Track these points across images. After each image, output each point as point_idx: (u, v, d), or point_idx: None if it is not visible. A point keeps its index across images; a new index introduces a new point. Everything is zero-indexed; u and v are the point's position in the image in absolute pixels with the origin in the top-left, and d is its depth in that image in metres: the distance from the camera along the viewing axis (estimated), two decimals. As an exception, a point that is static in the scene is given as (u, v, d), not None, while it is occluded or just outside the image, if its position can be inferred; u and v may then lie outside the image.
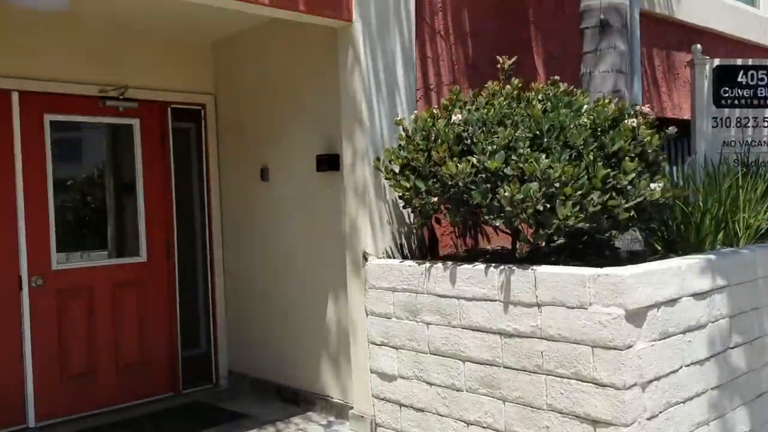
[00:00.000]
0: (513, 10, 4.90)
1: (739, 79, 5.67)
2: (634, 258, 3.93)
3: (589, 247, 3.95)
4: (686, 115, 6.38)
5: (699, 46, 5.70)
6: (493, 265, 3.29)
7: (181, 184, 5.04)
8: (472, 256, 4.29)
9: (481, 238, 4.58)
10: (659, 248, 4.33)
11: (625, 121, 3.32)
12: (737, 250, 3.60)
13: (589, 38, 4.24)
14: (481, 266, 3.32)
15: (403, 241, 4.05)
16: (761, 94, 5.65)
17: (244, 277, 5.04)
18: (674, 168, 6.38)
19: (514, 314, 3.16)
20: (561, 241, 4.03)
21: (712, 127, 5.66)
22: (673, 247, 4.24)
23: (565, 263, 3.67)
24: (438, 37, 4.39)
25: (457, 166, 3.29)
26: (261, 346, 4.92)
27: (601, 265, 3.30)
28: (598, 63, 4.22)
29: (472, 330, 3.33)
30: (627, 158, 3.23)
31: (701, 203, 4.22)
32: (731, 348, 3.39)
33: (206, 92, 5.10)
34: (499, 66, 3.84)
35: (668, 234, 4.31)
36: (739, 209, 4.27)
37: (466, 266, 3.38)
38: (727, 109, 5.65)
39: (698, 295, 3.17)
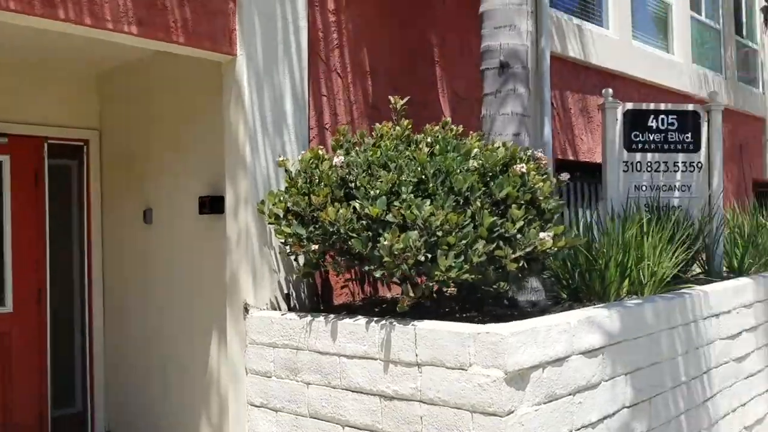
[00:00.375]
0: (417, 48, 4.75)
1: (650, 124, 5.64)
2: (533, 308, 3.75)
3: (489, 297, 3.75)
4: (600, 159, 6.34)
5: (610, 90, 5.67)
6: (375, 319, 3.03)
7: (58, 227, 4.63)
8: (368, 305, 4.03)
9: (381, 286, 4.33)
10: (565, 297, 4.17)
11: (515, 166, 3.15)
12: (633, 303, 3.44)
13: (490, 80, 4.10)
14: (362, 320, 3.05)
15: (292, 290, 3.76)
16: (672, 138, 5.62)
17: (125, 328, 4.64)
18: (587, 213, 6.33)
19: (394, 374, 2.89)
20: (454, 290, 3.82)
21: (623, 171, 5.59)
22: (578, 296, 4.09)
23: (461, 315, 3.45)
24: (335, 75, 4.18)
25: (337, 211, 3.04)
26: (140, 405, 4.51)
27: (499, 317, 3.09)
28: (499, 106, 4.07)
29: (353, 391, 3.05)
30: (514, 205, 3.05)
31: (605, 250, 4.09)
32: (627, 407, 3.20)
33: (90, 127, 4.74)
34: (391, 106, 3.65)
35: (573, 282, 4.16)
36: (643, 256, 4.16)
37: (347, 320, 3.11)
38: (638, 154, 5.60)
39: (589, 353, 2.98)
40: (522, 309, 3.73)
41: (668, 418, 3.49)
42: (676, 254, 4.27)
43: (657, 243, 4.24)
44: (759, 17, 9.49)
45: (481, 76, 4.12)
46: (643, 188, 5.59)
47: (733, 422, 4.18)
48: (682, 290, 3.93)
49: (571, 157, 6.42)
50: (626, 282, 4.05)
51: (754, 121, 9.95)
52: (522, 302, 3.91)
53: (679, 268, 4.34)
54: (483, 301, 3.71)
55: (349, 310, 3.68)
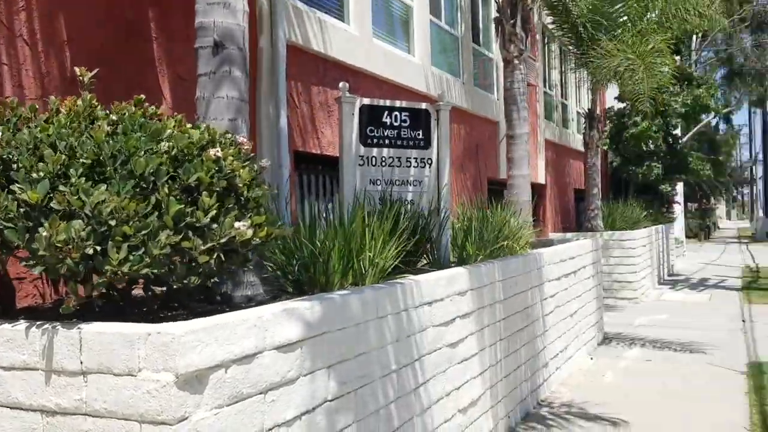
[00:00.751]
0: (132, 22, 4.31)
1: (385, 120, 5.74)
2: (249, 304, 3.56)
3: (199, 294, 3.47)
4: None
5: (346, 84, 5.68)
6: (37, 323, 2.59)
7: None
8: (57, 308, 3.54)
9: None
10: (291, 290, 4.05)
11: (209, 150, 2.90)
12: (338, 294, 3.38)
13: (204, 60, 3.83)
14: (22, 326, 2.60)
15: (-48, 293, 3.15)
16: (405, 135, 5.77)
17: None
18: (328, 206, 6.32)
19: (57, 386, 2.49)
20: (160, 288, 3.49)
21: (359, 165, 5.63)
22: (303, 289, 3.98)
23: (166, 314, 3.14)
24: (21, 42, 3.61)
25: (-11, 197, 2.55)
26: None
27: (204, 314, 2.81)
28: (214, 88, 3.82)
29: (11, 408, 2.58)
30: (205, 192, 2.80)
31: (327, 242, 4.04)
32: (330, 401, 3.11)
33: None
34: (78, 78, 3.20)
35: (297, 275, 4.05)
36: (365, 247, 4.18)
37: (5, 326, 2.64)
38: (374, 149, 5.67)
39: (286, 347, 2.83)
40: (236, 305, 3.52)
41: (377, 408, 3.49)
42: (398, 245, 4.36)
43: (379, 234, 4.29)
44: (493, 27, 10.30)
45: (195, 54, 3.84)
46: (378, 182, 5.68)
47: (447, 406, 4.34)
48: (396, 280, 3.99)
49: (314, 150, 6.37)
50: (350, 273, 4.04)
51: (489, 124, 10.82)
52: (237, 297, 3.71)
53: (400, 258, 4.43)
54: (191, 298, 3.43)
55: (34, 314, 3.17)
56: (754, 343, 8.41)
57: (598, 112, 14.02)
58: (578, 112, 16.58)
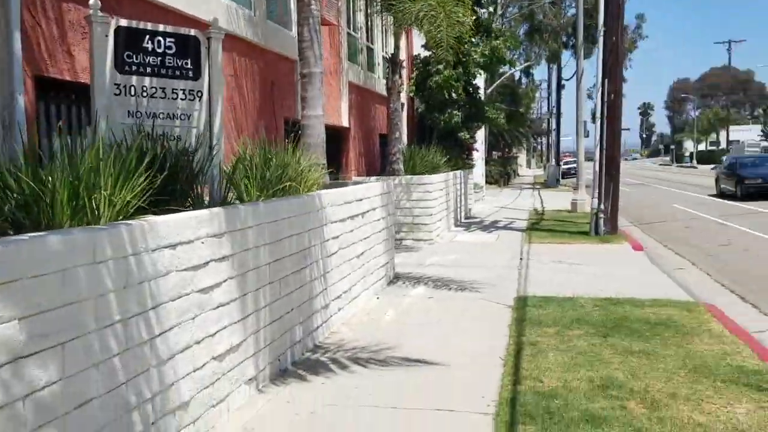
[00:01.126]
0: None
1: (146, 45, 5.17)
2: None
3: None
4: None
5: (98, 2, 5.03)
6: None
7: None
8: None
9: None
10: (11, 233, 3.51)
11: None
12: (28, 236, 2.92)
13: None
14: None
15: None
16: (170, 63, 5.25)
17: None
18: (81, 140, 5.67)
19: None
20: None
21: (115, 94, 5.04)
22: (23, 232, 3.46)
23: None
24: None
25: None
26: None
27: None
28: None
29: None
30: None
31: (53, 179, 3.53)
32: (24, 357, 2.70)
33: None
34: None
35: (14, 216, 3.51)
36: (99, 185, 3.73)
37: None
38: (134, 77, 5.09)
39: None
40: None
41: (94, 362, 3.12)
42: (146, 183, 3.96)
43: (120, 171, 3.85)
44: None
45: None
46: (139, 115, 5.14)
47: (198, 354, 4.07)
48: (125, 221, 3.59)
49: (65, 77, 5.64)
50: (82, 214, 3.59)
51: (286, 61, 10.42)
52: None
53: (148, 198, 4.02)
54: None
55: None
56: (525, 279, 9.04)
57: (403, 57, 14.15)
58: (384, 57, 16.66)
